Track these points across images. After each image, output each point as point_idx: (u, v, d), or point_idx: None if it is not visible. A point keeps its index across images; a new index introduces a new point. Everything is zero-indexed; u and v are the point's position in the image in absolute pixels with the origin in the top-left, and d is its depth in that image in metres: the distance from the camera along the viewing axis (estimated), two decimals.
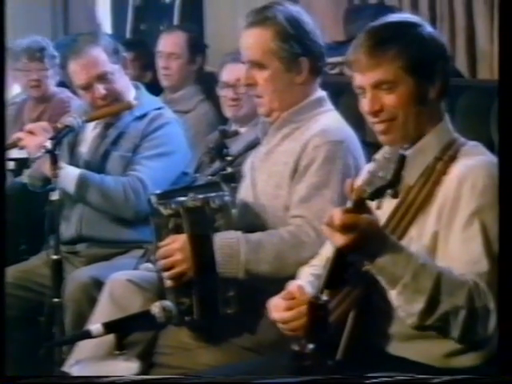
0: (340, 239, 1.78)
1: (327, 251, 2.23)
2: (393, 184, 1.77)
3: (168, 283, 2.43)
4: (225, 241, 2.40)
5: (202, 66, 4.33)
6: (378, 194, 1.79)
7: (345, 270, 1.88)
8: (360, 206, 1.79)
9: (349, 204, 1.80)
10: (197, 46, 4.31)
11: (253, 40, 2.53)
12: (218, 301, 2.42)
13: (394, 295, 1.86)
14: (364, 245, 1.80)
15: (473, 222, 1.89)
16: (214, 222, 2.42)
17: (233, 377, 2.09)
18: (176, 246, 2.41)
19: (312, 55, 2.54)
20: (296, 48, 2.51)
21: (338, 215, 1.77)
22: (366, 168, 2.23)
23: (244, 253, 2.39)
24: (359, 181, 1.85)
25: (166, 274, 2.43)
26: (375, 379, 1.64)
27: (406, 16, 2.14)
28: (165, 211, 2.42)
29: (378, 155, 2.12)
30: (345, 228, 1.77)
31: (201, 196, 2.42)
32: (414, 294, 1.82)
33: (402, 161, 1.76)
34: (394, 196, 1.91)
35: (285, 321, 2.03)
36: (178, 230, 2.42)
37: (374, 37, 2.00)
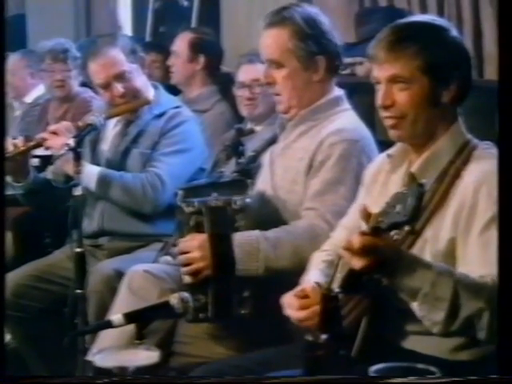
0: (359, 262, 1.79)
1: (338, 234, 2.28)
2: (410, 221, 1.77)
3: (186, 279, 2.46)
4: (244, 239, 2.42)
5: (210, 65, 4.31)
6: (394, 228, 1.80)
7: (359, 278, 1.90)
8: (377, 231, 1.80)
9: (365, 228, 1.81)
10: (199, 47, 4.30)
11: (271, 40, 2.58)
12: (233, 301, 2.44)
13: (416, 307, 1.87)
14: (382, 265, 1.81)
15: (490, 228, 1.89)
16: (234, 222, 2.45)
17: (245, 369, 2.13)
18: (195, 243, 2.44)
19: (328, 54, 2.59)
20: (313, 47, 2.55)
21: (356, 239, 1.78)
22: (379, 159, 2.27)
23: (263, 250, 2.41)
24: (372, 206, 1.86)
25: (183, 270, 2.46)
26: (389, 379, 1.61)
27: (433, 18, 2.13)
28: (187, 209, 2.45)
29: (392, 151, 2.16)
30: (364, 251, 1.78)
31: (224, 197, 2.44)
32: (434, 302, 1.83)
33: (420, 198, 1.76)
34: (411, 232, 1.86)
35: (298, 320, 2.05)
36: (198, 227, 2.45)
37: (396, 33, 2.02)
